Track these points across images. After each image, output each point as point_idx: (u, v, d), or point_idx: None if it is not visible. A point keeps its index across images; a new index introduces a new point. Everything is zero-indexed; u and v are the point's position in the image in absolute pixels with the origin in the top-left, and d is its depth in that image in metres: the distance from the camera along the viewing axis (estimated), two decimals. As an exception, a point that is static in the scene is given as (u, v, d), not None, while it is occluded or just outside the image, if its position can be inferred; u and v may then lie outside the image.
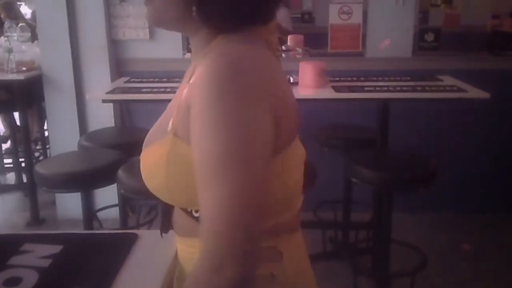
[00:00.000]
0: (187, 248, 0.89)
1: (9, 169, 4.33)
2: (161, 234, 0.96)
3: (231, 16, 0.78)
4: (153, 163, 0.84)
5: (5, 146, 4.55)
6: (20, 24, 3.73)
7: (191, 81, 0.79)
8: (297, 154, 0.85)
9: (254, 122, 0.71)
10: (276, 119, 0.75)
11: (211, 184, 0.71)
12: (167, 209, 0.94)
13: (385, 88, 2.55)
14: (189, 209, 0.86)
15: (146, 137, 0.90)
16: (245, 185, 0.70)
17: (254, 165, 0.71)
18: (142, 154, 0.88)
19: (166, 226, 0.95)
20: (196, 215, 0.84)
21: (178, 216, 0.90)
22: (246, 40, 0.79)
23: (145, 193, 0.89)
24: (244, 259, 0.70)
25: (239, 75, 0.72)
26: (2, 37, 3.66)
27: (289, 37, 3.73)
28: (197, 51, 0.84)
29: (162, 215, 0.96)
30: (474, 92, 2.42)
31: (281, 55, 3.58)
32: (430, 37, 3.29)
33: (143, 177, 0.86)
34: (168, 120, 0.83)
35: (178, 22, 0.83)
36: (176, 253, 0.95)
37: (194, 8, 0.77)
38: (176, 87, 0.82)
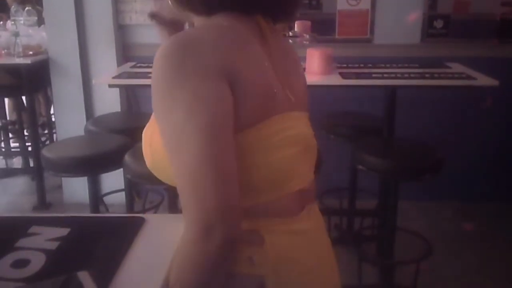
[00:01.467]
0: None
1: (16, 153, 4.35)
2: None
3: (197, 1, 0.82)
4: (144, 142, 0.88)
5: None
6: (27, 8, 3.71)
7: None
8: (287, 132, 0.82)
9: (201, 92, 0.72)
10: (237, 95, 0.75)
11: (177, 157, 0.73)
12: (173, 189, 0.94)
13: (393, 75, 2.52)
14: None
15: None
16: (207, 149, 0.71)
17: (208, 130, 0.71)
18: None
19: (173, 204, 0.96)
20: None
21: None
22: (218, 23, 0.81)
23: (152, 178, 0.90)
24: (231, 218, 0.71)
25: (179, 50, 0.74)
26: (9, 21, 3.66)
27: (296, 23, 3.69)
28: None
29: (168, 195, 0.98)
30: (483, 80, 2.39)
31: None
32: (439, 24, 3.25)
33: None
34: None
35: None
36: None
37: None
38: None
